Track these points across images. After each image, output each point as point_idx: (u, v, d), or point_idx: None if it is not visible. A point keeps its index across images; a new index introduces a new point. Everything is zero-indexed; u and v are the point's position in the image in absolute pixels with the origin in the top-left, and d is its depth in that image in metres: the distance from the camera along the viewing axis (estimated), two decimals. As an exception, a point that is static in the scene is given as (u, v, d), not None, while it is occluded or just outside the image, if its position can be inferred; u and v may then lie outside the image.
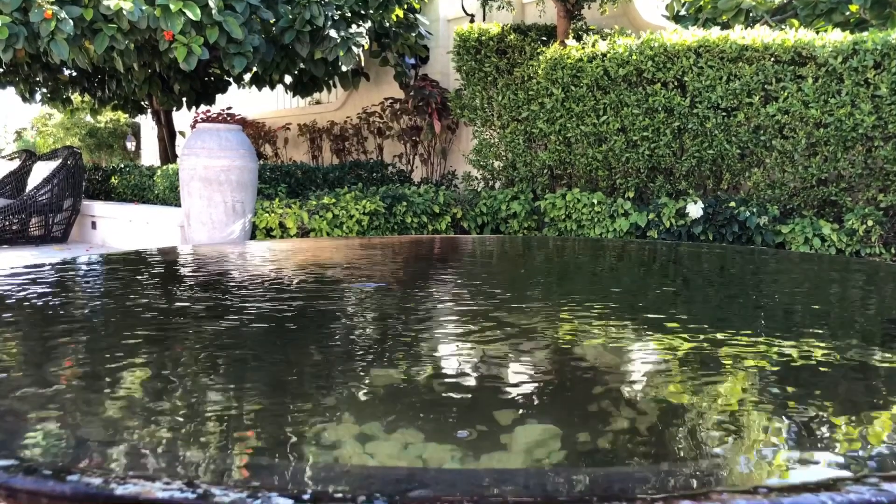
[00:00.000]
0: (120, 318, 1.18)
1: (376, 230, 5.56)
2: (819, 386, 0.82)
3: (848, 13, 5.59)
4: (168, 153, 9.26)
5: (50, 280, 1.51)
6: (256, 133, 10.24)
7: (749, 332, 1.10)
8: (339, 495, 0.52)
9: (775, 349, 0.97)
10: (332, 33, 5.93)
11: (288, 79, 7.90)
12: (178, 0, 5.04)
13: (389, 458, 0.61)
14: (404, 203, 5.68)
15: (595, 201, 5.35)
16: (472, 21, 7.58)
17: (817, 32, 4.62)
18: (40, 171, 7.44)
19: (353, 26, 6.16)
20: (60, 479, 0.53)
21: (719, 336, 1.06)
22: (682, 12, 6.81)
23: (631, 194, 5.40)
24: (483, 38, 6.23)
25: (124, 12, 4.95)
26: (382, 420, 0.70)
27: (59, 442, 0.63)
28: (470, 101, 6.42)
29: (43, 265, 1.67)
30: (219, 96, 8.81)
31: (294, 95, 8.49)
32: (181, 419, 0.70)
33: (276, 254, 2.09)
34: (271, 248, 2.29)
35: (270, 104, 10.83)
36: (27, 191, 7.15)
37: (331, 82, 7.91)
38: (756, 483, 0.56)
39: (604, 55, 5.30)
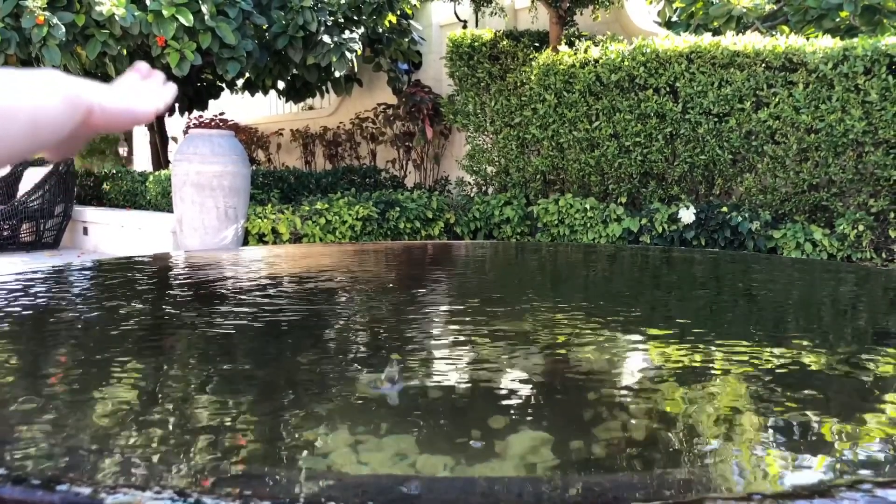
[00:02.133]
0: (111, 325, 1.17)
1: (369, 236, 5.56)
2: (812, 391, 0.82)
3: (838, 20, 5.63)
4: (160, 159, 9.22)
5: (40, 287, 1.50)
6: (249, 138, 10.23)
7: (741, 336, 1.10)
8: (332, 503, 0.51)
9: (767, 354, 0.97)
10: (326, 39, 5.93)
11: (281, 84, 7.90)
12: (170, 6, 5.04)
13: (382, 466, 0.61)
14: (397, 209, 5.67)
15: (588, 206, 5.36)
16: (464, 27, 7.60)
17: (808, 39, 4.65)
18: (31, 176, 7.41)
19: (347, 32, 6.16)
20: (49, 488, 0.53)
21: (711, 341, 1.06)
22: (674, 18, 6.85)
23: (623, 199, 5.41)
24: (476, 43, 6.24)
25: (116, 18, 4.94)
26: (375, 428, 0.69)
27: (48, 451, 0.63)
28: (463, 106, 6.43)
29: (34, 272, 1.66)
30: (211, 102, 8.80)
31: (287, 101, 8.48)
32: (172, 427, 0.69)
33: (268, 260, 2.09)
34: (264, 254, 2.29)
35: (263, 110, 10.82)
36: (18, 196, 7.12)
37: (324, 88, 7.92)
38: (749, 489, 0.56)
39: (596, 61, 5.32)
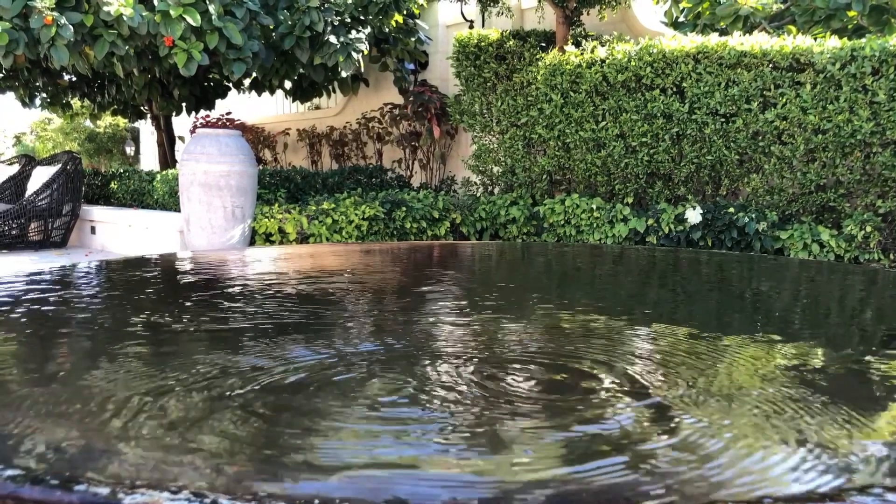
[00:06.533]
0: (122, 325, 1.18)
1: (375, 235, 5.56)
2: (822, 393, 0.83)
3: (846, 20, 5.61)
4: (167, 158, 9.26)
5: (50, 286, 1.51)
6: (256, 138, 10.25)
7: (750, 336, 1.10)
8: (346, 505, 0.52)
9: (777, 354, 0.98)
10: (332, 39, 5.94)
11: (287, 84, 7.91)
12: (178, 6, 5.05)
13: (396, 467, 0.62)
14: (403, 208, 5.68)
15: (594, 207, 5.35)
16: (471, 27, 7.60)
17: (815, 39, 4.63)
18: (40, 175, 7.44)
19: (353, 32, 6.17)
20: (68, 488, 0.54)
21: (720, 341, 1.06)
22: (681, 18, 6.83)
23: (630, 200, 5.41)
24: (482, 43, 6.25)
25: (124, 18, 4.96)
26: (388, 428, 0.70)
27: (66, 450, 0.63)
28: (469, 106, 6.43)
29: (42, 271, 1.67)
30: (218, 101, 8.82)
31: (294, 101, 8.50)
32: (189, 428, 0.70)
33: (275, 260, 2.09)
34: (271, 254, 2.30)
35: (270, 109, 10.84)
36: (26, 195, 7.15)
37: (330, 87, 7.93)
38: (759, 492, 0.56)
39: (602, 61, 5.31)
